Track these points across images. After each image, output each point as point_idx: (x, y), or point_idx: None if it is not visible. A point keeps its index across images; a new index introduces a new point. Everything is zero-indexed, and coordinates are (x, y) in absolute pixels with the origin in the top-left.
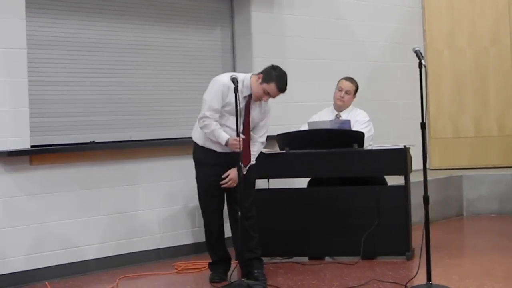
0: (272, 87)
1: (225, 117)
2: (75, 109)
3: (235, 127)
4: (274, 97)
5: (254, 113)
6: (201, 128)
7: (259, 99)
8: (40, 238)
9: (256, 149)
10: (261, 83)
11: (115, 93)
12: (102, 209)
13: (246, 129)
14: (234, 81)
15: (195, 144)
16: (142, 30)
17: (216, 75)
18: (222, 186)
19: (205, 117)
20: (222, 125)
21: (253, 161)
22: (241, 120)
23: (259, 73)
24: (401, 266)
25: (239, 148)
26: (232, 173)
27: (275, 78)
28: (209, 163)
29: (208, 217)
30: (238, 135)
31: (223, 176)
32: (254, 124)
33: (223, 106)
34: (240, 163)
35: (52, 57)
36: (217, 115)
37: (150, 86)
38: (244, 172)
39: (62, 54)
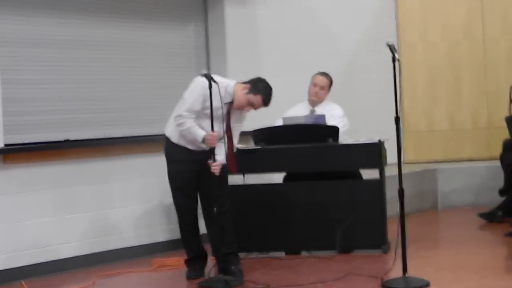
0: (258, 99)
1: (202, 118)
2: (49, 107)
3: (210, 130)
4: (256, 109)
5: (233, 120)
6: (176, 125)
7: (241, 108)
8: (15, 237)
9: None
10: (247, 93)
11: (88, 90)
12: (77, 207)
13: (229, 136)
14: (209, 77)
15: (167, 140)
16: (115, 27)
17: (190, 71)
18: (213, 170)
19: (181, 116)
20: (198, 126)
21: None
22: (223, 126)
23: (245, 83)
24: (377, 259)
25: (216, 143)
26: (219, 161)
27: (262, 90)
28: (182, 159)
29: (181, 214)
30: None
31: (209, 162)
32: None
33: (202, 109)
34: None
35: (25, 54)
36: (193, 116)
37: (123, 83)
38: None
39: (35, 51)
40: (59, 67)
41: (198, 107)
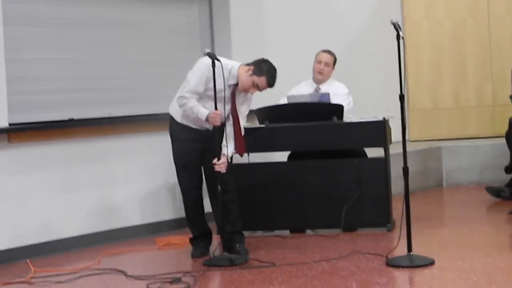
0: (262, 80)
1: (204, 100)
2: (54, 87)
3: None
4: (261, 90)
5: (238, 102)
6: (179, 106)
7: (245, 90)
8: (20, 216)
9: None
10: (251, 75)
11: (93, 69)
12: (82, 186)
13: (235, 118)
14: (212, 56)
15: (172, 118)
16: (120, 6)
17: (194, 50)
18: (216, 169)
19: (183, 97)
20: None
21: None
22: (226, 107)
23: (248, 65)
24: (382, 237)
25: (220, 121)
26: (223, 158)
27: (266, 72)
28: (186, 138)
29: (186, 192)
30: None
31: (214, 162)
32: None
33: (205, 90)
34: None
35: (30, 34)
36: (196, 97)
37: (128, 62)
38: (229, 160)
39: (39, 31)
40: (63, 46)
41: (200, 88)
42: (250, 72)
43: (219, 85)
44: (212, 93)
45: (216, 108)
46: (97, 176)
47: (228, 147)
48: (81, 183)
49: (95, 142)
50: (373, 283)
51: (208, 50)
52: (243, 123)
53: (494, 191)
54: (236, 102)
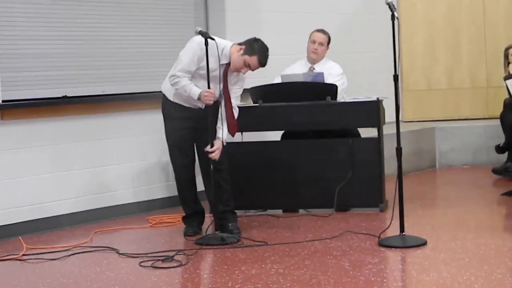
0: (254, 60)
1: (197, 79)
2: (47, 64)
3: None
4: (253, 70)
5: (231, 82)
6: (171, 85)
7: (237, 70)
8: (12, 193)
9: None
10: (242, 55)
11: (87, 47)
12: (75, 163)
13: (226, 98)
14: (205, 34)
15: (164, 97)
16: None
17: (188, 28)
18: (210, 156)
19: (175, 75)
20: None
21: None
22: (219, 87)
23: (240, 44)
24: (375, 217)
25: (212, 100)
26: (218, 143)
27: (258, 51)
28: (178, 116)
29: (178, 171)
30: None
31: (206, 149)
32: (231, 87)
33: (197, 69)
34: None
35: (23, 10)
36: (188, 76)
37: (122, 40)
38: (225, 144)
39: (32, 7)
40: (57, 23)
41: (193, 67)
42: (242, 52)
43: (212, 63)
44: (204, 72)
45: (209, 85)
46: (90, 154)
47: (223, 130)
48: (74, 160)
49: (89, 119)
50: (365, 263)
51: (200, 29)
52: (236, 103)
53: (501, 171)
54: (228, 82)
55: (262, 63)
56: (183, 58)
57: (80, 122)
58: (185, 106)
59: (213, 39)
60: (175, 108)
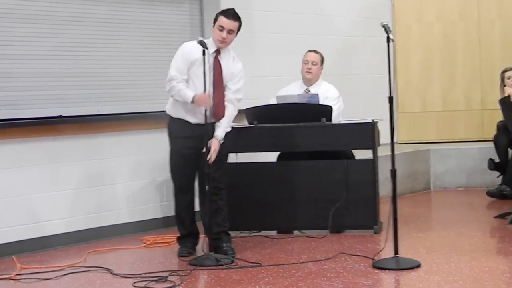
0: (220, 20)
1: (191, 80)
2: (43, 83)
3: (202, 88)
4: (228, 29)
5: (225, 67)
6: (168, 91)
7: (221, 42)
8: (7, 212)
9: (230, 110)
10: (213, 26)
11: (83, 67)
12: (70, 183)
13: (217, 82)
14: (202, 43)
15: (169, 117)
16: (110, 4)
17: None
18: (209, 160)
19: (171, 79)
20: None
21: (227, 127)
22: (211, 76)
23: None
24: (369, 239)
25: (207, 105)
26: (214, 143)
27: (220, 12)
28: (182, 135)
29: (179, 191)
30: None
31: (204, 151)
32: (227, 80)
33: (189, 68)
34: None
35: (19, 30)
36: (183, 77)
37: (118, 60)
38: (222, 141)
39: (29, 27)
40: (53, 43)
41: (183, 64)
42: (213, 25)
43: (197, 54)
44: (195, 67)
45: (204, 82)
46: (84, 174)
47: (220, 128)
48: (68, 180)
49: (84, 139)
50: (359, 285)
51: (200, 38)
52: (236, 97)
53: (496, 193)
54: (223, 76)
55: (227, 15)
56: (173, 61)
57: (75, 141)
58: (188, 123)
59: (207, 49)
60: (179, 126)
